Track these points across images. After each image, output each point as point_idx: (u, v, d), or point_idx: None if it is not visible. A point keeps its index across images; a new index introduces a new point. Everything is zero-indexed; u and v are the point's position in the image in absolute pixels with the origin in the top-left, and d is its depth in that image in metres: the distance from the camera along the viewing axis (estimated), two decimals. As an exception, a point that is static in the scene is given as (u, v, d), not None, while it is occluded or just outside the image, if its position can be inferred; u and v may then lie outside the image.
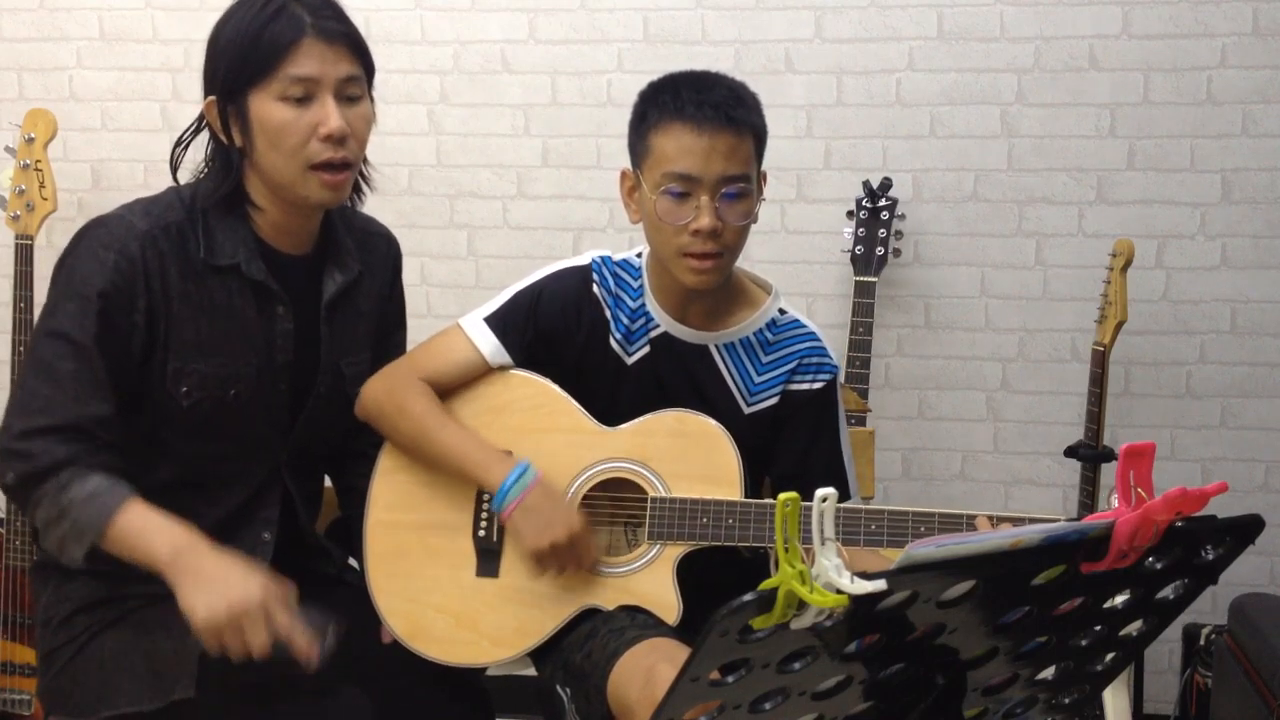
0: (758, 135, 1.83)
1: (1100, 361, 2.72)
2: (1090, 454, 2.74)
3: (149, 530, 1.68)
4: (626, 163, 1.90)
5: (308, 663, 1.62)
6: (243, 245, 1.82)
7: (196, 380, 1.80)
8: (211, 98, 1.78)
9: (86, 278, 1.74)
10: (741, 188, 1.80)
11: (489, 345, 1.92)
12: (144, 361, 1.78)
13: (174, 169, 1.88)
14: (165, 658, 1.75)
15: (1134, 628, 1.26)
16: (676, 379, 1.92)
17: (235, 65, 1.74)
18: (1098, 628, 1.23)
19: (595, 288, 1.94)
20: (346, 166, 1.79)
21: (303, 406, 1.92)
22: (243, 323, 1.83)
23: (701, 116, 1.77)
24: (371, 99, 1.84)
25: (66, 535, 1.72)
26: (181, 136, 1.87)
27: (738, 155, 1.79)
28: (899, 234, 2.95)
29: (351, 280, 1.94)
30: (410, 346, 2.03)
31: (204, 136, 1.86)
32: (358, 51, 1.80)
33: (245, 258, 1.81)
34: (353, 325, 1.96)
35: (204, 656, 1.72)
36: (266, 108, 1.74)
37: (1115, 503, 1.12)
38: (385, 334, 2.05)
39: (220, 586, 1.63)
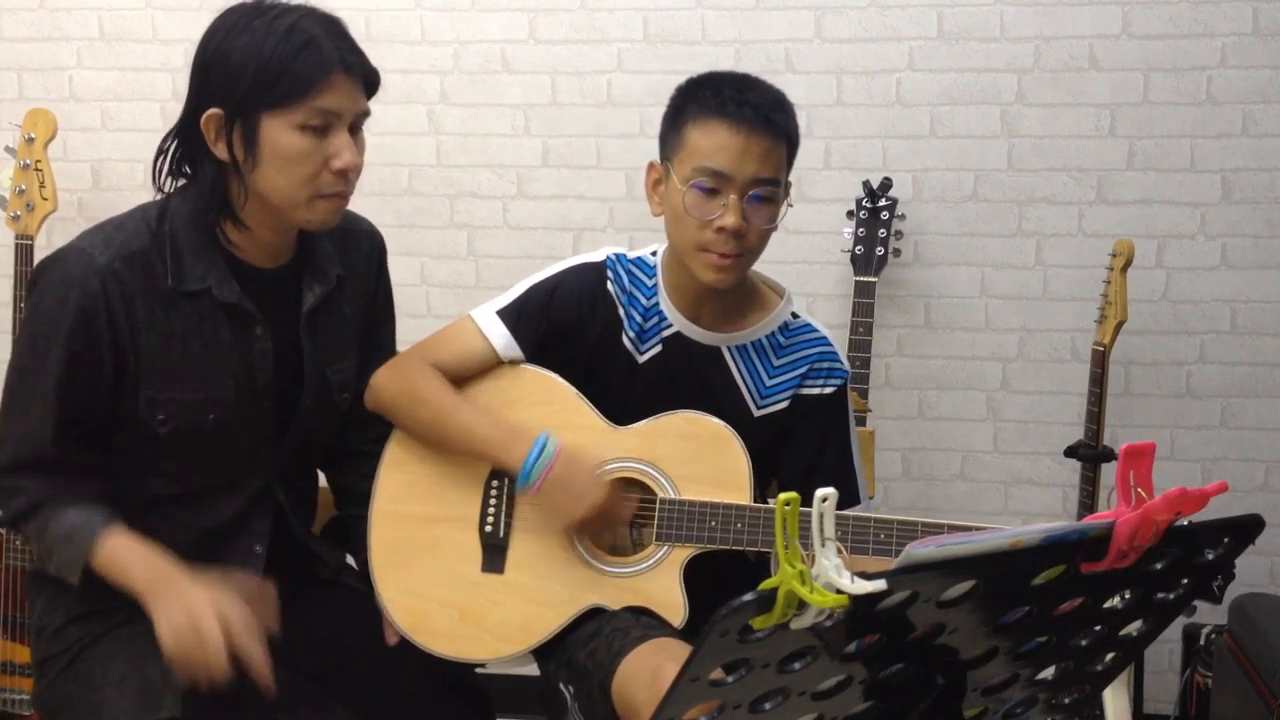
0: (791, 142, 1.85)
1: (1100, 361, 2.72)
2: (1090, 454, 2.74)
3: (126, 562, 1.74)
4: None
5: (265, 688, 1.66)
6: (213, 268, 1.78)
7: (172, 408, 1.79)
8: (217, 111, 1.72)
9: (50, 317, 1.74)
10: (770, 191, 1.81)
11: (501, 338, 1.92)
12: (116, 391, 1.77)
13: (156, 178, 1.81)
14: (153, 676, 1.75)
15: (1134, 628, 1.26)
16: (688, 379, 1.92)
17: (258, 86, 1.69)
18: (1098, 628, 1.24)
19: (610, 285, 1.93)
20: (347, 195, 1.80)
21: (290, 419, 1.90)
22: (218, 346, 1.80)
23: (741, 116, 1.78)
24: None
25: (59, 568, 1.78)
26: (163, 145, 1.81)
27: (771, 159, 1.80)
28: (899, 234, 2.95)
29: (331, 289, 1.92)
30: (408, 346, 2.02)
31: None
32: (370, 86, 1.80)
33: (216, 281, 1.78)
34: (336, 332, 1.94)
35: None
36: (283, 134, 1.71)
37: (1115, 504, 1.13)
38: (372, 330, 2.03)
39: (186, 612, 1.68)
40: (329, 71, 1.71)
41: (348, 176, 1.77)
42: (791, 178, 1.91)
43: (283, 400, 1.88)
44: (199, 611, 1.66)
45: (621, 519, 1.85)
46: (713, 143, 1.79)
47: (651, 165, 1.90)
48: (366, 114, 1.80)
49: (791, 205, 1.89)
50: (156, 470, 1.83)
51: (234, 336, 1.81)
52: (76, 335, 1.73)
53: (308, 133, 1.72)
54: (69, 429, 1.77)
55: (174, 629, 1.66)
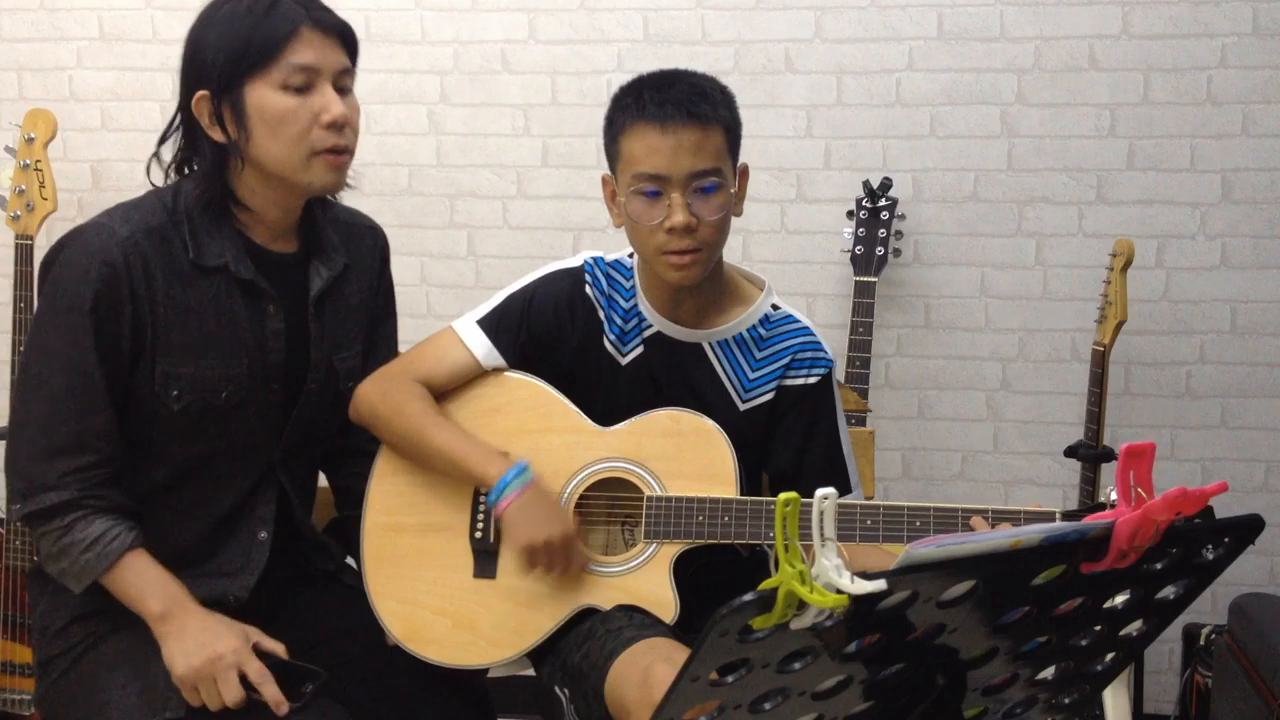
0: (728, 128, 1.82)
1: (1100, 361, 2.72)
2: (1090, 454, 2.74)
3: (143, 586, 1.76)
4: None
5: (277, 710, 1.70)
6: (229, 245, 1.81)
7: (186, 383, 1.80)
8: (203, 92, 1.77)
9: (72, 289, 1.74)
10: (714, 181, 1.79)
11: (482, 348, 1.93)
12: (132, 366, 1.78)
13: (148, 168, 1.86)
14: (157, 676, 1.75)
15: (1134, 628, 1.26)
16: (671, 378, 1.92)
17: (232, 58, 1.74)
18: (1098, 628, 1.24)
19: (588, 289, 1.94)
20: (347, 151, 1.81)
21: (295, 404, 1.91)
22: (233, 323, 1.82)
23: (664, 114, 1.77)
24: None
25: (66, 571, 1.78)
26: (165, 134, 1.85)
27: (705, 150, 1.78)
28: (899, 234, 2.95)
29: (337, 274, 1.94)
30: (410, 347, 2.03)
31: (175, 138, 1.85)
32: (349, 45, 1.82)
33: (234, 257, 1.81)
34: (342, 320, 1.96)
35: None
36: (267, 97, 1.74)
37: (1113, 496, 1.13)
38: (374, 326, 2.04)
39: (199, 642, 1.71)
40: (295, 26, 1.74)
41: (342, 130, 1.78)
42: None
43: (290, 384, 1.90)
44: (216, 650, 1.70)
45: (572, 564, 1.83)
46: (644, 147, 1.78)
47: (604, 179, 1.90)
48: (348, 71, 1.81)
49: (734, 190, 1.85)
50: (162, 456, 1.84)
51: (249, 315, 1.83)
52: (101, 306, 1.74)
53: (290, 92, 1.75)
54: (111, 399, 1.76)
55: (189, 664, 1.70)
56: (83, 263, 1.74)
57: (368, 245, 2.03)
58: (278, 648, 1.77)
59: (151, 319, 1.77)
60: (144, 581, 1.76)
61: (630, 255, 1.96)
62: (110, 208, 1.82)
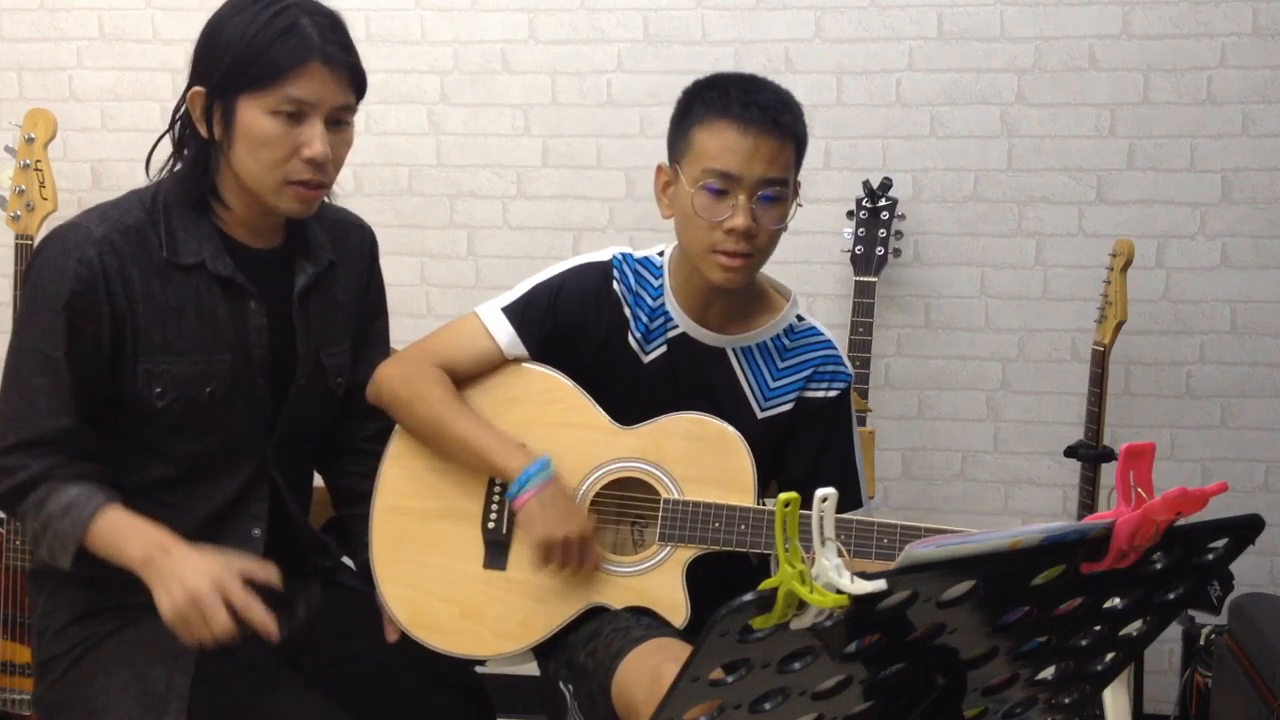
0: (799, 142, 1.85)
1: (1100, 361, 2.72)
2: (1090, 454, 2.74)
3: (122, 536, 1.73)
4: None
5: (268, 636, 1.67)
6: (207, 242, 1.81)
7: (169, 380, 1.79)
8: (199, 89, 1.77)
9: (50, 289, 1.74)
10: (779, 191, 1.81)
11: (505, 335, 1.92)
12: (115, 365, 1.78)
13: (147, 167, 1.86)
14: (158, 683, 1.75)
15: (1134, 628, 1.26)
16: (692, 380, 1.92)
17: (235, 68, 1.73)
18: (1098, 628, 1.24)
19: (615, 285, 1.93)
20: (322, 186, 1.80)
21: (284, 400, 1.91)
22: (214, 320, 1.82)
23: (748, 117, 1.78)
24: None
25: (52, 546, 1.76)
26: (172, 124, 1.85)
27: (779, 159, 1.80)
28: (899, 234, 2.95)
29: (323, 270, 1.93)
30: (407, 345, 2.02)
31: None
32: (356, 81, 1.80)
33: (211, 254, 1.81)
34: (330, 316, 1.95)
35: (196, 686, 1.75)
36: (255, 117, 1.73)
37: (1115, 504, 1.13)
38: (365, 323, 2.04)
39: (179, 579, 1.67)
40: (305, 59, 1.73)
41: (322, 167, 1.77)
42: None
43: (278, 380, 1.89)
44: (196, 583, 1.66)
45: (587, 563, 1.84)
46: (720, 144, 1.78)
47: (660, 168, 1.90)
48: (349, 108, 1.80)
49: (801, 205, 1.88)
50: (154, 452, 1.84)
51: (230, 311, 1.83)
52: (76, 305, 1.74)
53: (279, 118, 1.74)
54: (76, 401, 1.76)
55: (173, 601, 1.66)
56: (59, 263, 1.74)
57: (355, 243, 2.02)
58: (269, 576, 1.73)
59: (131, 317, 1.77)
60: (121, 532, 1.73)
61: (660, 253, 1.96)
62: (89, 208, 1.83)
